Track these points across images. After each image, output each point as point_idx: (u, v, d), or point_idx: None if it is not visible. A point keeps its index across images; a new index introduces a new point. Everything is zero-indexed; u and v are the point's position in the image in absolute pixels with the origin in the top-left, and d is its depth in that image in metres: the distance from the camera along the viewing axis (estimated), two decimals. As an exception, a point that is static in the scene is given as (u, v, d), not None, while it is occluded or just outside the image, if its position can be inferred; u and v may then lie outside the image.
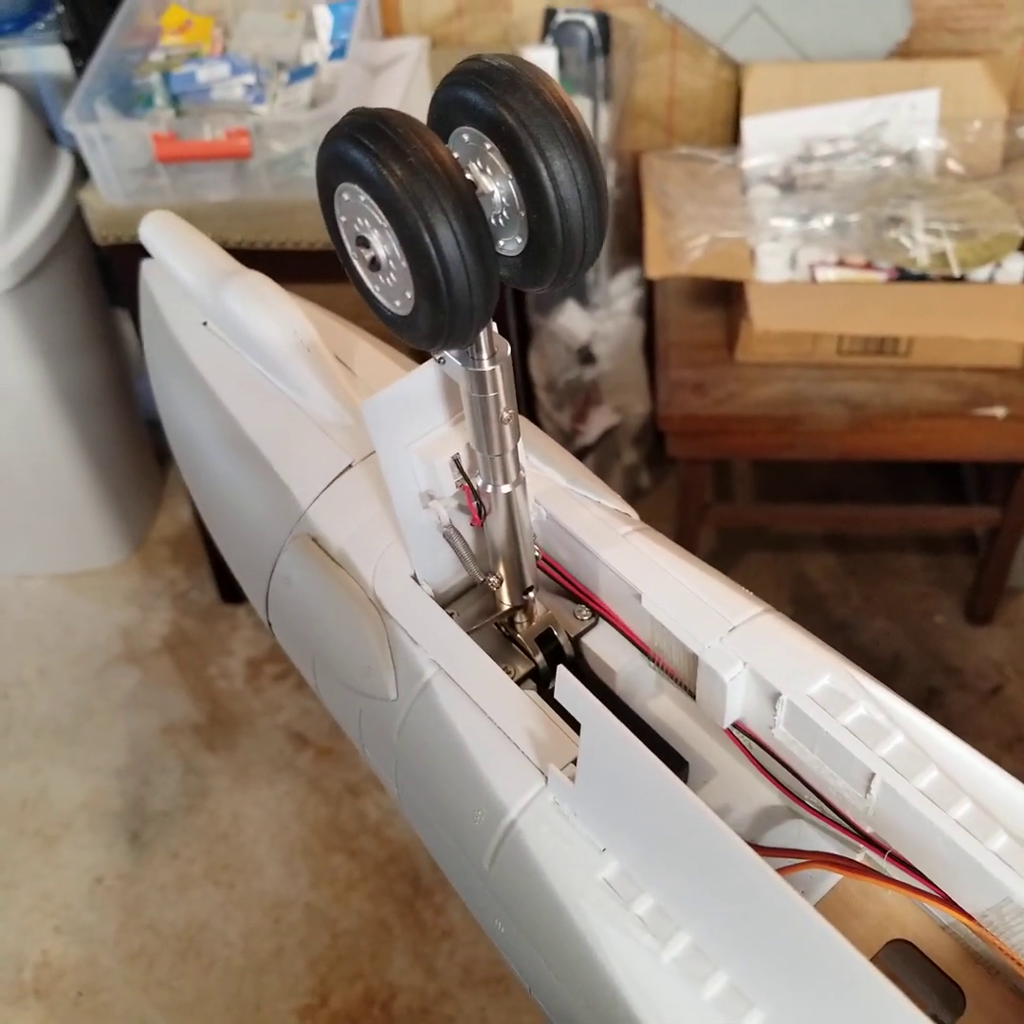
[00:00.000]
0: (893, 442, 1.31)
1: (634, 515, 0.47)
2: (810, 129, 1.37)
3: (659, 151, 1.44)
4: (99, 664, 1.68)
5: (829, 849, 0.40)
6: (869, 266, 1.31)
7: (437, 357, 0.37)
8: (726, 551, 1.64)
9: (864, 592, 1.58)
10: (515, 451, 0.39)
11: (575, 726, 0.44)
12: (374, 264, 0.32)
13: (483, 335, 0.35)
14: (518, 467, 0.40)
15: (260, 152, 1.16)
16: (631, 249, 1.45)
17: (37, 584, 1.78)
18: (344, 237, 0.33)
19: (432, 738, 0.40)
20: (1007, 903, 0.31)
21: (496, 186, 0.31)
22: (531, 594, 0.45)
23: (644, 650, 0.44)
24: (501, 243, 0.32)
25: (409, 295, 0.32)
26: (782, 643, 0.40)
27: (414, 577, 0.45)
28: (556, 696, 0.36)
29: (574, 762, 0.37)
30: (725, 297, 1.38)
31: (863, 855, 0.39)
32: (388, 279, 0.32)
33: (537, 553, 0.45)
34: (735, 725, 0.41)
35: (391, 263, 0.31)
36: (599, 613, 0.46)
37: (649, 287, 1.51)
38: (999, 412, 1.25)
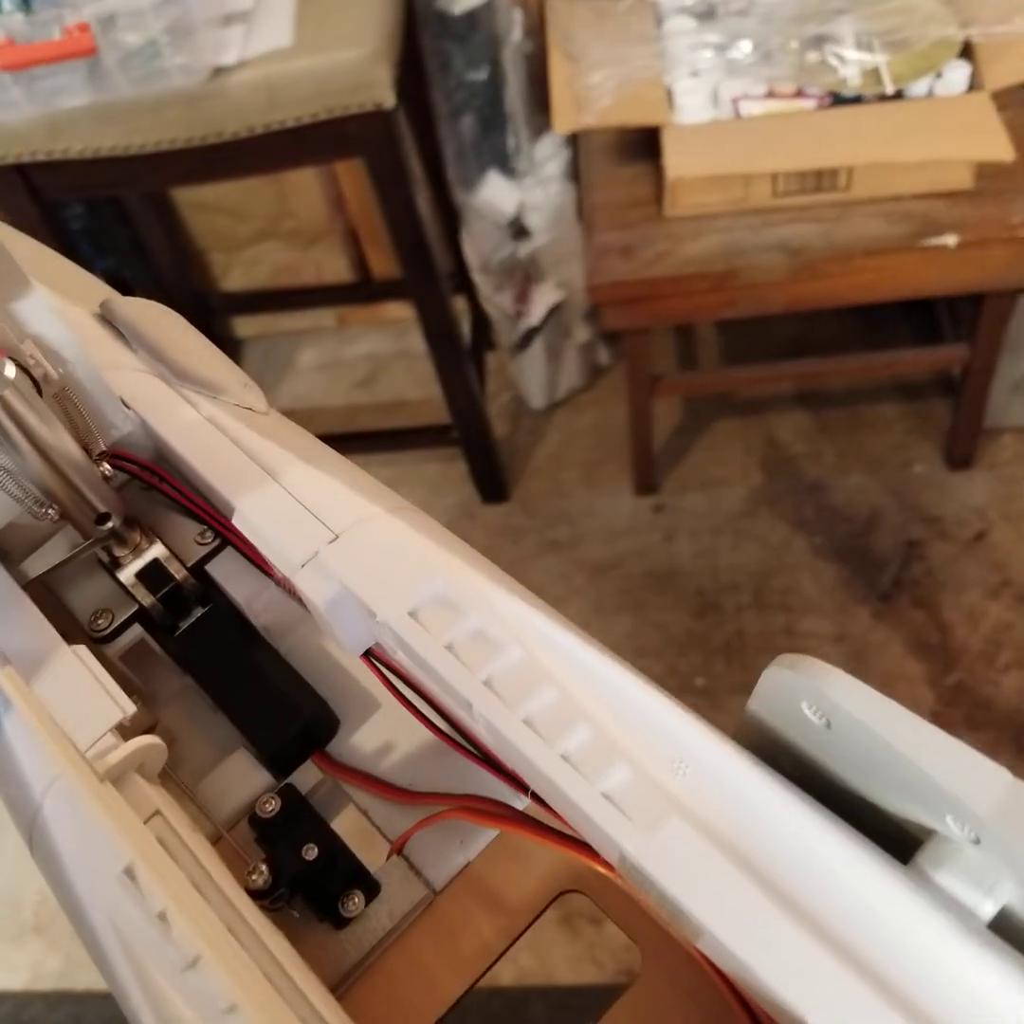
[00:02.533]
0: (839, 286, 1.21)
1: (261, 406, 0.40)
2: (723, -53, 1.24)
3: (564, -7, 1.31)
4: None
5: (498, 788, 0.34)
6: (799, 94, 1.19)
7: None
8: (692, 422, 1.56)
9: (838, 449, 1.50)
10: None
11: (202, 677, 0.39)
12: None
13: None
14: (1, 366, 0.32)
15: (110, 48, 1.07)
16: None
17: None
18: None
19: None
20: (624, 858, 0.25)
21: None
22: (109, 523, 0.38)
23: (270, 575, 0.38)
24: None
25: None
26: (393, 549, 0.33)
27: None
28: None
29: (118, 729, 0.31)
30: (653, 148, 1.27)
31: (528, 802, 0.33)
32: None
33: (108, 471, 0.38)
34: (370, 653, 0.35)
35: None
36: (223, 535, 0.39)
37: (576, 146, 1.40)
38: (950, 240, 1.15)
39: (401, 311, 1.75)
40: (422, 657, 0.29)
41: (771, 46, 1.20)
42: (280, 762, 0.37)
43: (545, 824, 0.30)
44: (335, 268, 1.70)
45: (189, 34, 1.07)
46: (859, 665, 1.32)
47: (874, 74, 1.16)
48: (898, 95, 1.16)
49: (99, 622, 0.38)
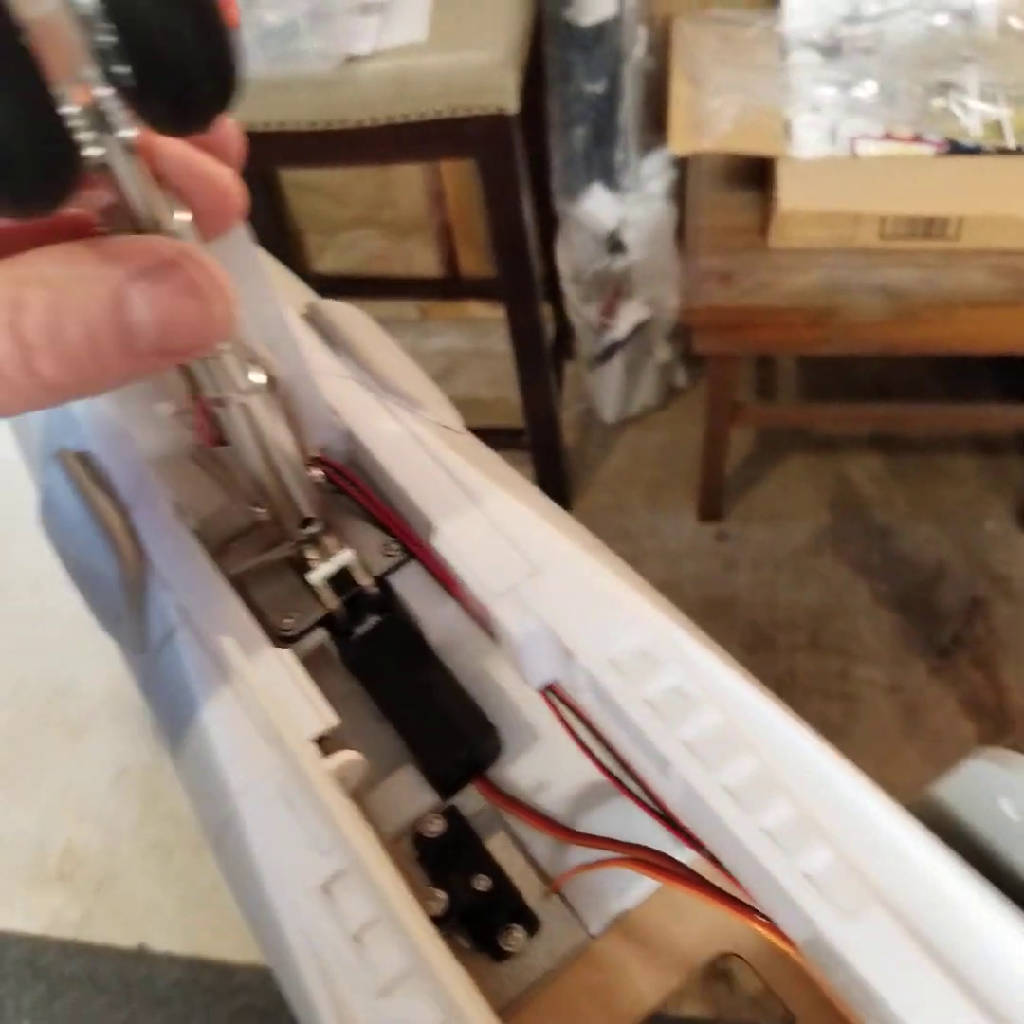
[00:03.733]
0: (939, 334, 1.20)
1: (457, 425, 0.40)
2: (859, -14, 1.24)
3: (692, 14, 1.32)
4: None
5: (659, 838, 0.33)
6: (917, 139, 1.19)
7: (100, 228, 0.29)
8: (764, 453, 1.55)
9: (910, 496, 1.49)
10: (235, 350, 0.31)
11: (374, 686, 0.38)
12: None
13: (136, 195, 0.27)
14: (248, 372, 0.32)
15: (251, 24, 1.08)
16: (664, 126, 1.34)
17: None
18: None
19: (171, 699, 0.35)
20: (818, 940, 0.25)
21: None
22: (312, 527, 0.38)
23: (455, 594, 0.38)
24: (113, 70, 0.24)
25: None
26: (594, 592, 0.32)
27: (177, 506, 0.38)
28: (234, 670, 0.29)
29: (319, 741, 0.31)
30: (762, 177, 1.27)
31: (693, 855, 0.33)
32: None
33: (319, 477, 0.38)
34: (551, 688, 0.34)
35: None
36: (410, 549, 0.39)
37: (684, 168, 1.41)
38: (1056, 301, 1.14)
39: (483, 310, 1.76)
40: (621, 707, 0.29)
41: (895, 88, 1.20)
42: (445, 782, 0.36)
43: (718, 887, 0.30)
44: (425, 261, 1.71)
45: (328, 19, 1.08)
46: (911, 719, 1.31)
47: (996, 126, 1.15)
48: (1019, 150, 1.15)
49: (287, 622, 0.38)
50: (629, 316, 1.48)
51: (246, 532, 0.40)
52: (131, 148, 0.25)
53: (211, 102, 0.24)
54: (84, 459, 0.41)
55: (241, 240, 0.33)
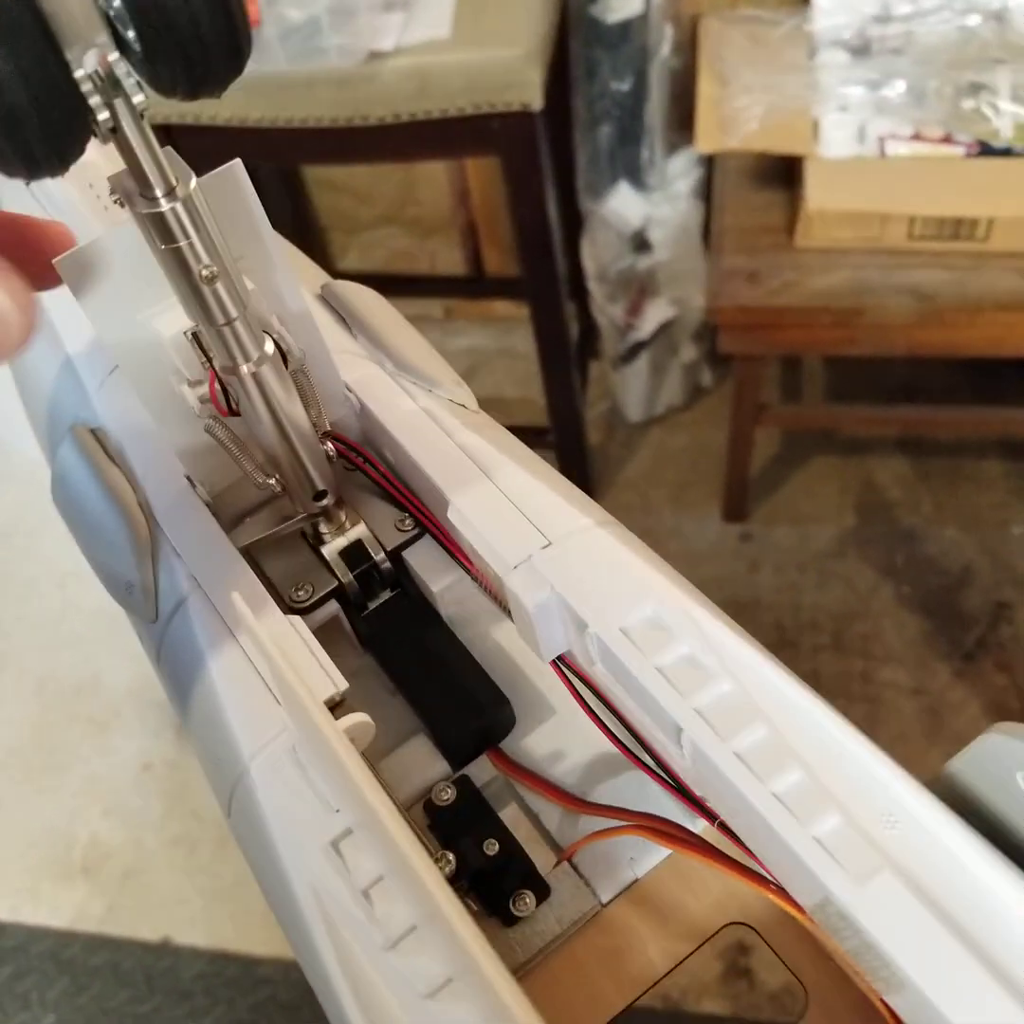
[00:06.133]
0: (966, 337, 1.19)
1: (472, 404, 0.41)
2: (889, -16, 1.23)
3: (720, 13, 1.31)
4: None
5: (671, 810, 0.33)
6: (947, 140, 1.18)
7: (113, 197, 0.29)
8: (789, 455, 1.55)
9: (936, 500, 1.48)
10: (245, 320, 0.31)
11: (386, 660, 0.39)
12: None
13: (147, 160, 0.27)
14: (260, 341, 0.32)
15: (272, 21, 1.08)
16: (690, 124, 1.34)
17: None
18: None
19: (183, 666, 0.35)
20: (828, 903, 0.25)
21: None
22: (325, 500, 0.38)
23: (468, 569, 0.38)
24: (121, 34, 0.24)
25: None
26: (606, 563, 0.33)
27: (190, 479, 0.39)
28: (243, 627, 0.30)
29: (332, 704, 0.32)
30: (789, 176, 1.27)
31: (704, 824, 0.33)
32: None
33: (331, 452, 0.38)
34: (562, 659, 0.35)
35: None
36: (423, 524, 0.39)
37: (710, 167, 1.40)
38: (1086, 303, 1.12)
39: (507, 310, 1.76)
40: (633, 675, 0.29)
41: (925, 89, 1.19)
42: (459, 753, 0.37)
43: (729, 855, 0.30)
44: (449, 260, 1.71)
45: (351, 16, 1.08)
46: (934, 722, 1.30)
47: (1028, 128, 1.14)
48: (1051, 152, 1.14)
49: (299, 594, 0.38)
50: (654, 315, 1.48)
51: (259, 508, 0.40)
52: (141, 114, 0.26)
53: (223, 66, 0.24)
54: (97, 434, 0.42)
55: (257, 220, 0.33)
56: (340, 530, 0.39)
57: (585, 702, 0.34)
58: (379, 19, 1.12)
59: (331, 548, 0.39)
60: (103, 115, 0.24)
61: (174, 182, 0.28)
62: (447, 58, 1.12)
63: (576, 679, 0.34)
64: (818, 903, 0.26)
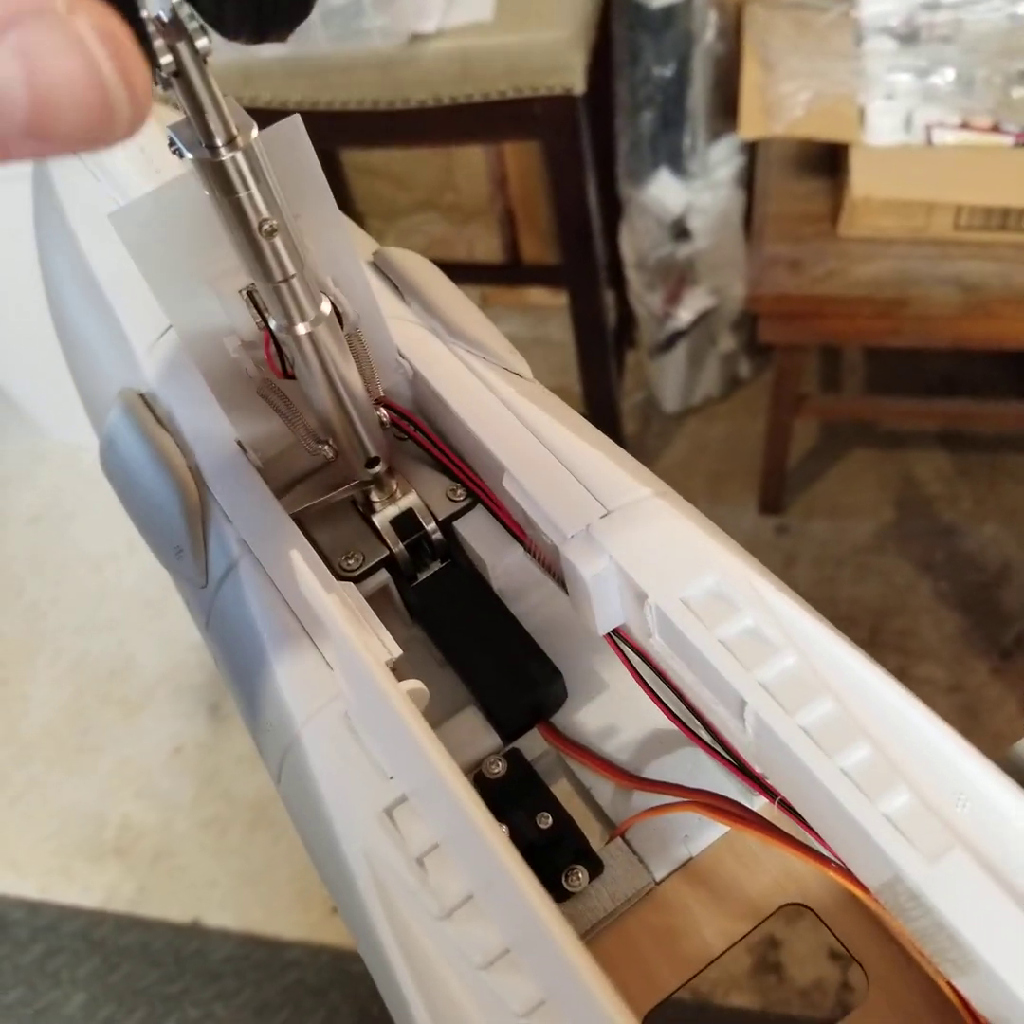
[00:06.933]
0: (1013, 329, 1.17)
1: (527, 373, 0.40)
2: (939, -30, 1.21)
3: (765, -1, 1.30)
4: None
5: (726, 786, 0.33)
6: (995, 129, 1.16)
7: (171, 148, 0.28)
8: (828, 447, 1.53)
9: (977, 495, 1.45)
10: (303, 277, 0.31)
11: (436, 632, 0.38)
12: None
13: (210, 107, 0.26)
14: (317, 301, 0.32)
15: (316, 2, 1.08)
16: (733, 111, 1.32)
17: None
18: None
19: (234, 632, 0.35)
20: (898, 882, 0.24)
21: None
22: (377, 467, 0.38)
23: (521, 539, 0.37)
24: None
25: None
26: (666, 533, 0.32)
27: (241, 444, 0.38)
28: (300, 587, 0.29)
29: (392, 668, 0.31)
30: (833, 164, 1.25)
31: (762, 802, 0.32)
32: None
33: (384, 418, 0.38)
34: (617, 632, 0.34)
35: None
36: (475, 494, 0.39)
37: (752, 154, 1.38)
38: None
39: (544, 297, 1.75)
40: (695, 647, 0.29)
41: (973, 77, 1.17)
42: (510, 727, 0.36)
43: (787, 832, 0.29)
44: (487, 247, 1.70)
45: (394, -2, 1.08)
46: (971, 720, 1.28)
47: (1080, 116, 1.12)
48: (1103, 140, 1.11)
49: (349, 562, 0.38)
50: (693, 304, 1.46)
51: (309, 475, 0.40)
52: (204, 58, 0.25)
53: (286, 8, 0.24)
54: (147, 398, 0.41)
55: (314, 177, 0.33)
56: (391, 499, 0.39)
57: (640, 676, 0.33)
58: (421, 1, 1.12)
59: (382, 517, 0.38)
60: (165, 59, 0.24)
61: (235, 131, 0.27)
62: (489, 41, 1.11)
63: (631, 652, 0.33)
64: (886, 882, 0.25)
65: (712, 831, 0.34)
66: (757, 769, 0.31)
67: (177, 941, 1.36)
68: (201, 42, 0.24)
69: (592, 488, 0.34)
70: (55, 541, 1.73)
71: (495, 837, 0.23)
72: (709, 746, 0.32)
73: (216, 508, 0.37)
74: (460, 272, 1.76)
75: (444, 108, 1.15)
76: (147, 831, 1.43)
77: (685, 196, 1.39)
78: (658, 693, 0.33)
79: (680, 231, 1.42)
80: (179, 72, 0.25)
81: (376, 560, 0.38)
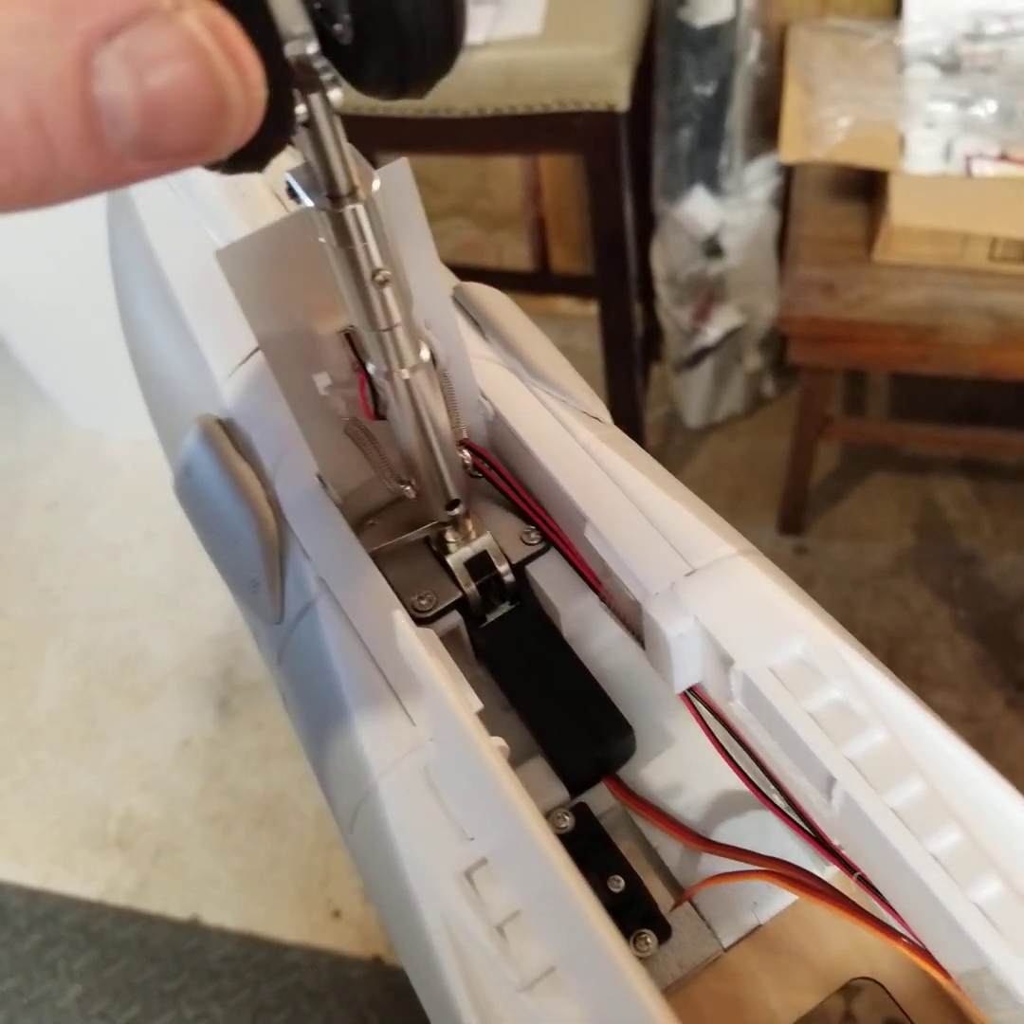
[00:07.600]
0: (1043, 361, 1.18)
1: (606, 417, 0.39)
2: (983, 2, 1.21)
3: (809, 22, 1.30)
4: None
5: (796, 853, 0.32)
6: (1036, 161, 1.16)
7: (288, 192, 0.28)
8: (850, 469, 1.53)
9: (997, 523, 1.45)
10: (407, 325, 0.30)
11: (503, 675, 0.37)
12: None
13: (335, 158, 0.26)
14: (417, 347, 0.31)
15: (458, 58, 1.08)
16: (771, 132, 1.33)
17: (150, 448, 1.80)
18: None
19: (308, 672, 0.34)
20: (986, 973, 0.24)
21: None
22: (457, 509, 0.37)
23: (596, 588, 0.37)
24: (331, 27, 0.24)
25: None
26: (752, 596, 0.31)
27: (321, 478, 0.38)
28: (400, 645, 0.29)
29: None
30: (870, 189, 1.25)
31: (833, 872, 0.32)
32: None
33: (467, 460, 0.37)
34: (693, 690, 0.33)
35: None
36: (550, 538, 0.38)
37: (788, 175, 1.38)
38: None
39: (570, 307, 1.75)
40: (782, 718, 0.28)
41: (1015, 109, 1.17)
42: (578, 780, 0.35)
43: (862, 907, 0.29)
44: (516, 255, 1.70)
45: (444, 6, 1.08)
46: (985, 751, 1.27)
47: (1122, 153, 1.12)
48: None
49: (422, 602, 0.37)
50: (722, 321, 1.46)
51: (382, 509, 0.39)
52: (336, 110, 0.25)
53: (437, 62, 0.24)
54: (226, 425, 0.40)
55: (417, 221, 0.32)
56: (466, 539, 0.38)
57: (716, 737, 0.33)
58: (470, 11, 1.12)
59: (456, 558, 0.38)
60: (300, 109, 0.24)
61: (357, 183, 0.27)
62: (536, 54, 1.11)
63: (707, 712, 0.33)
64: (971, 971, 0.24)
65: (782, 899, 0.33)
66: (835, 841, 0.30)
67: (176, 938, 1.35)
68: (334, 94, 0.24)
69: (676, 544, 0.33)
70: (72, 528, 1.73)
71: (591, 906, 0.22)
72: (783, 813, 0.31)
73: (295, 543, 0.36)
74: (488, 278, 1.76)
75: (487, 118, 1.15)
76: (151, 824, 1.42)
77: (719, 214, 1.39)
78: (732, 754, 0.33)
79: (712, 248, 1.42)
80: (309, 123, 0.25)
81: (449, 602, 0.37)
